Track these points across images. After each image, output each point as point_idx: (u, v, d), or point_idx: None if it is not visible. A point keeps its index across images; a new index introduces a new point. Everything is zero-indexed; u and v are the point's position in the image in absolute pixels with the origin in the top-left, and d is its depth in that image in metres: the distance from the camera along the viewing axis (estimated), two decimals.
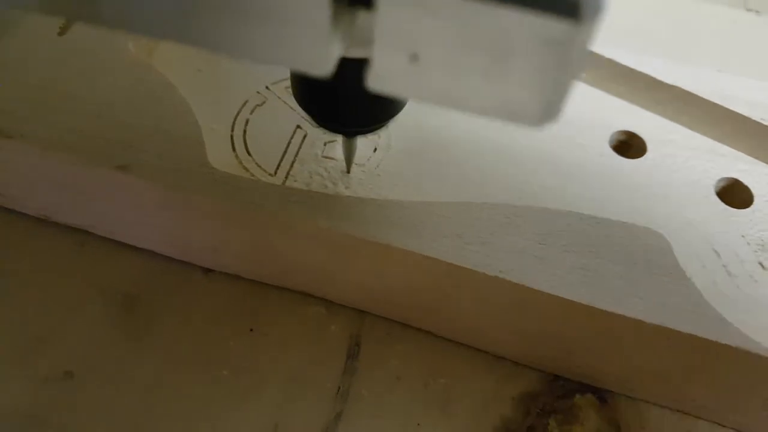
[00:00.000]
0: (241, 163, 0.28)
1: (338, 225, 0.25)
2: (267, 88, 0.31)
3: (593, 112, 0.31)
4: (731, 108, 0.30)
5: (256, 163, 0.28)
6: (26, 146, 0.26)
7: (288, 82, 0.31)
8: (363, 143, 0.29)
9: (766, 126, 0.30)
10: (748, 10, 0.34)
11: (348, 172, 0.28)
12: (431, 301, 0.26)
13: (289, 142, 0.29)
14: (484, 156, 0.29)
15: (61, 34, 0.30)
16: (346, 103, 0.23)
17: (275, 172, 0.28)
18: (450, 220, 0.25)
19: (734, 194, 0.30)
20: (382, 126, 0.25)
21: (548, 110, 0.14)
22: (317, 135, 0.29)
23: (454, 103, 0.15)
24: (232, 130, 0.29)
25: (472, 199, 0.27)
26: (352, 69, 0.16)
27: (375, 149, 0.29)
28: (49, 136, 0.26)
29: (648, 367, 0.26)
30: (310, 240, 0.26)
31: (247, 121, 0.29)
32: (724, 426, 0.27)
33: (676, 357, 0.25)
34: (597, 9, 0.12)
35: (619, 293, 0.24)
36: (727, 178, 0.30)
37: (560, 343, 0.26)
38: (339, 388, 0.27)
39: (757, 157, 0.30)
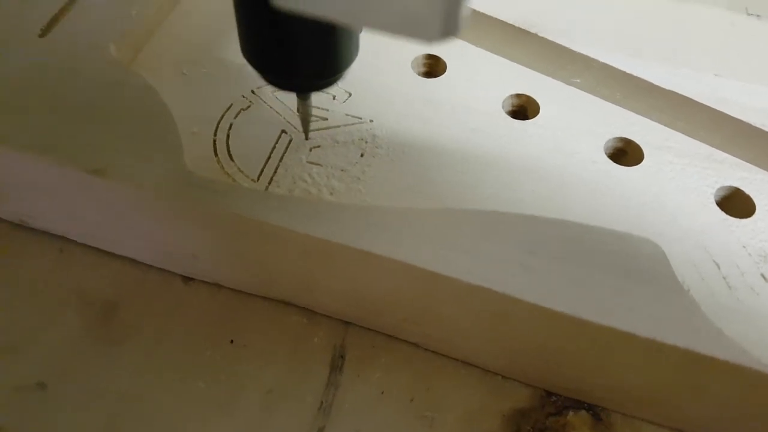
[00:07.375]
0: (222, 168, 0.27)
1: (319, 231, 0.24)
2: (252, 92, 0.30)
3: (587, 118, 0.30)
4: (730, 113, 0.29)
5: (239, 168, 0.27)
6: (1, 147, 0.26)
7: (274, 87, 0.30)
8: (349, 149, 0.28)
9: (766, 132, 0.29)
10: (749, 14, 0.33)
11: (306, 138, 0.28)
12: (415, 311, 0.25)
13: (274, 147, 0.28)
14: (472, 162, 0.28)
15: (42, 35, 0.29)
16: (295, 46, 0.22)
17: (258, 178, 0.27)
18: (433, 227, 0.24)
19: (735, 203, 0.28)
20: (334, 81, 0.23)
21: (447, 22, 0.15)
22: (302, 140, 0.28)
23: (354, 19, 0.15)
24: (215, 135, 0.28)
25: (458, 206, 0.26)
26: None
27: (362, 155, 0.28)
28: (24, 137, 0.26)
29: (643, 383, 0.24)
30: (292, 247, 0.25)
31: (231, 126, 0.29)
32: None
33: (671, 373, 0.23)
34: None
35: (609, 305, 0.23)
36: (728, 187, 0.29)
37: (549, 356, 0.25)
38: (321, 402, 0.26)
39: (757, 164, 0.29)
